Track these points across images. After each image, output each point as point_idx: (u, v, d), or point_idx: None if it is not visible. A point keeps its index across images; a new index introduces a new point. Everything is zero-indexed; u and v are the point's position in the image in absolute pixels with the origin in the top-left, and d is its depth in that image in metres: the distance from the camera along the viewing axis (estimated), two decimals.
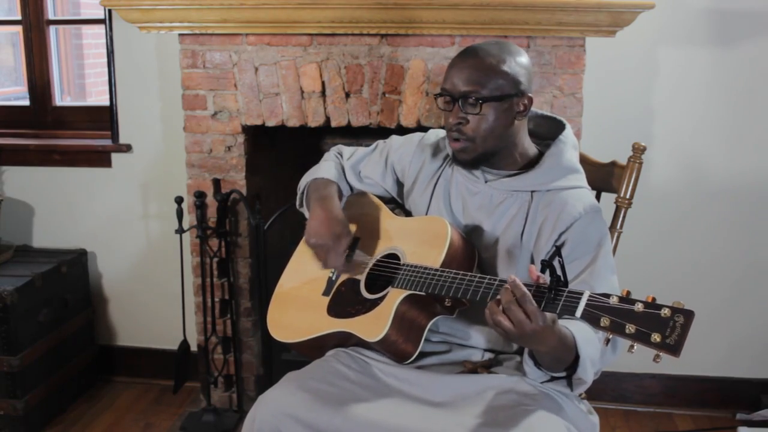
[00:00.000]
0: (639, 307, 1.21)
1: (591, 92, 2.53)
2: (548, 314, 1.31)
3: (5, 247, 2.94)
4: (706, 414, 2.83)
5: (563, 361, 1.45)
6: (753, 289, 2.79)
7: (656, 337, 1.17)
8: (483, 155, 1.65)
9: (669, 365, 2.67)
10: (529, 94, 1.64)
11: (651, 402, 2.89)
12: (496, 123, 1.61)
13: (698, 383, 2.86)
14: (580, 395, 1.69)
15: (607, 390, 2.89)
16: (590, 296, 1.27)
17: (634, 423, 2.79)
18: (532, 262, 1.65)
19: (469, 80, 1.58)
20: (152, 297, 3.07)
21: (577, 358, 1.43)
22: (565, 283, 1.31)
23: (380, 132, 2.47)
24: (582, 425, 1.58)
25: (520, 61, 1.62)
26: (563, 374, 1.50)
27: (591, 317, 1.25)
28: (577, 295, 1.28)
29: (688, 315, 1.17)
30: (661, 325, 1.18)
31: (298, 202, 1.95)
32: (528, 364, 1.51)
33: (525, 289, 1.31)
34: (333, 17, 2.36)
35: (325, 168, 1.91)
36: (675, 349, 1.16)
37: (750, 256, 2.77)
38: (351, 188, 1.94)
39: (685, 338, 1.16)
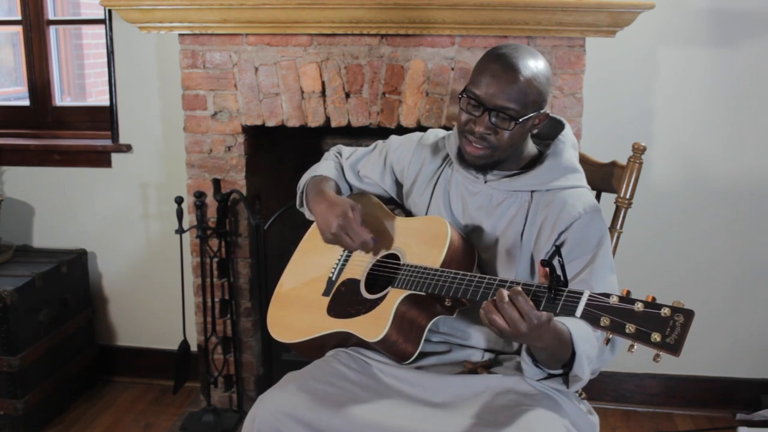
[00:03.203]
0: (639, 306, 1.21)
1: (591, 92, 2.53)
2: (543, 313, 1.31)
3: (5, 247, 2.95)
4: (706, 414, 2.83)
5: (559, 358, 1.45)
6: (753, 289, 2.79)
7: (656, 337, 1.17)
8: (497, 162, 1.65)
9: (669, 365, 2.68)
10: (546, 111, 1.65)
11: (651, 402, 2.89)
12: (517, 137, 1.62)
13: (698, 383, 2.86)
14: (580, 395, 1.69)
15: (607, 390, 2.89)
16: (590, 296, 1.27)
17: (634, 423, 2.79)
18: (532, 262, 1.65)
19: (509, 96, 1.55)
20: (152, 297, 3.07)
21: (573, 354, 1.43)
22: (565, 283, 1.31)
23: (380, 132, 2.47)
24: (582, 425, 1.58)
25: (548, 78, 1.62)
26: (560, 371, 1.50)
27: (591, 317, 1.26)
28: (577, 295, 1.28)
29: (688, 314, 1.17)
30: (661, 324, 1.18)
31: (297, 202, 1.95)
32: (525, 362, 1.51)
33: (519, 288, 1.31)
34: (333, 17, 2.36)
35: (324, 167, 1.91)
36: (675, 349, 1.16)
37: (750, 256, 2.77)
38: (350, 187, 1.94)
39: (685, 337, 1.16)
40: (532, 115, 1.59)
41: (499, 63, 1.58)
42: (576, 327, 1.41)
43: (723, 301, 2.80)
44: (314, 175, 1.89)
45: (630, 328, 1.20)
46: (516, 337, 1.34)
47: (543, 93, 1.60)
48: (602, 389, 2.87)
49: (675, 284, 2.79)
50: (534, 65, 1.58)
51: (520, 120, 1.57)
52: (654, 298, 1.21)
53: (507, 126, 1.58)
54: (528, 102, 1.57)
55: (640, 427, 2.77)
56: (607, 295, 1.25)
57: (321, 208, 1.74)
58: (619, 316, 1.22)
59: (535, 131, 1.66)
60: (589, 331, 1.43)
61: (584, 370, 1.45)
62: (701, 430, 2.73)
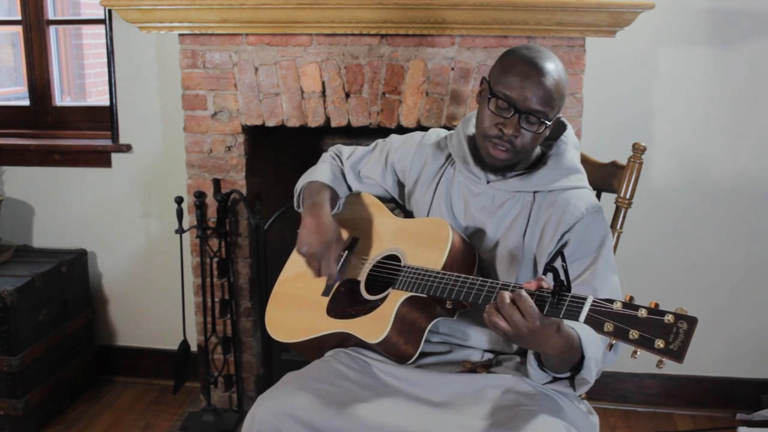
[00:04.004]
0: (642, 312, 1.21)
1: (591, 92, 2.53)
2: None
3: (5, 247, 2.94)
4: (706, 414, 2.83)
5: (569, 362, 1.45)
6: (753, 289, 2.79)
7: (660, 343, 1.18)
8: (515, 164, 1.65)
9: (669, 366, 2.67)
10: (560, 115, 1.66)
11: (651, 402, 2.89)
12: (540, 140, 1.63)
13: (698, 383, 2.86)
14: (579, 395, 1.69)
15: (607, 390, 2.89)
16: (594, 301, 1.27)
17: (634, 423, 2.79)
18: (535, 262, 1.65)
19: (545, 102, 1.56)
20: (152, 297, 3.07)
21: (581, 358, 1.43)
22: (569, 288, 1.30)
23: (380, 132, 2.46)
24: (582, 425, 1.58)
25: (567, 83, 1.64)
26: (567, 375, 1.50)
27: (595, 322, 1.25)
28: (581, 300, 1.28)
29: (692, 321, 1.17)
30: (664, 331, 1.18)
31: (295, 204, 1.95)
32: (532, 366, 1.51)
33: (524, 292, 1.31)
34: (333, 17, 2.35)
35: (321, 170, 1.89)
36: (678, 356, 1.16)
37: (750, 256, 2.77)
38: (350, 189, 1.94)
39: (689, 344, 1.16)
40: (555, 119, 1.61)
41: (529, 65, 1.57)
42: (583, 330, 1.40)
43: (723, 301, 2.80)
44: (310, 180, 1.88)
45: (634, 334, 1.20)
46: (520, 340, 1.34)
47: (564, 97, 1.62)
48: (602, 389, 2.87)
49: (675, 284, 2.79)
50: (558, 69, 1.60)
51: (548, 124, 1.58)
52: (657, 305, 1.21)
53: (535, 129, 1.58)
54: (555, 105, 1.58)
55: (640, 427, 2.77)
56: (611, 301, 1.25)
57: (311, 223, 1.73)
58: (623, 322, 1.22)
59: (548, 132, 1.66)
60: (595, 334, 1.43)
61: (592, 373, 1.45)
62: (701, 430, 2.73)
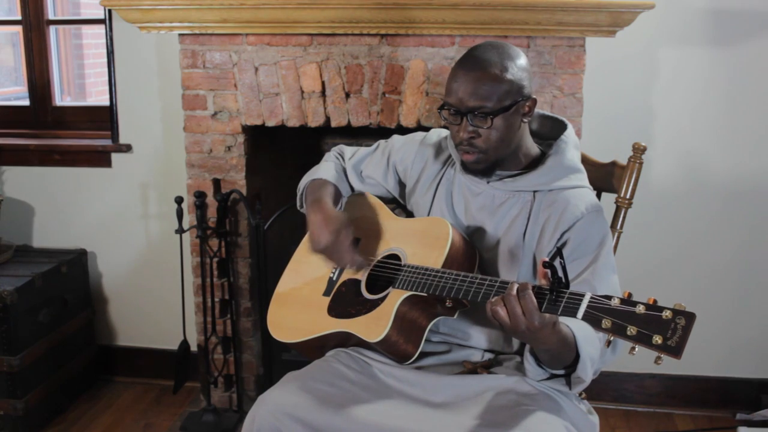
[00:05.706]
0: (640, 309, 1.21)
1: (591, 92, 2.53)
2: (547, 315, 1.31)
3: (5, 247, 2.94)
4: (706, 414, 2.83)
5: (563, 360, 1.45)
6: (753, 288, 2.79)
7: (658, 339, 1.17)
8: (495, 163, 1.65)
9: (669, 365, 2.66)
10: (533, 96, 1.63)
11: (651, 402, 2.89)
12: (505, 131, 1.61)
13: (698, 383, 2.86)
14: (580, 395, 1.69)
15: (607, 390, 2.89)
16: (592, 298, 1.27)
17: (634, 423, 2.79)
18: (535, 262, 1.65)
19: (476, 95, 1.56)
20: (152, 297, 3.07)
21: (577, 357, 1.43)
22: (567, 285, 1.31)
23: (380, 132, 2.47)
24: (582, 425, 1.58)
25: (520, 65, 1.60)
26: (562, 372, 1.50)
27: (592, 319, 1.25)
28: (579, 297, 1.28)
29: (690, 317, 1.17)
30: (662, 327, 1.18)
31: (298, 203, 1.95)
32: (529, 361, 1.51)
33: (529, 290, 1.31)
34: (333, 17, 2.36)
35: (324, 169, 1.90)
36: (676, 351, 1.16)
37: (750, 255, 2.77)
38: (352, 188, 1.94)
39: (687, 340, 1.16)
40: (510, 105, 1.58)
41: (462, 66, 1.59)
42: (578, 328, 1.41)
43: (723, 301, 2.80)
44: (314, 178, 1.89)
45: (631, 330, 1.20)
46: (515, 333, 1.34)
47: (516, 80, 1.58)
48: (602, 389, 2.87)
49: (675, 284, 2.79)
50: (499, 57, 1.57)
51: (498, 114, 1.57)
52: (655, 301, 1.21)
53: (486, 124, 1.58)
54: (501, 94, 1.56)
55: (640, 427, 2.77)
56: (609, 297, 1.25)
57: (316, 218, 1.74)
58: (621, 319, 1.22)
59: (526, 120, 1.64)
60: (592, 332, 1.43)
61: (588, 372, 1.45)
62: (701, 429, 2.73)
